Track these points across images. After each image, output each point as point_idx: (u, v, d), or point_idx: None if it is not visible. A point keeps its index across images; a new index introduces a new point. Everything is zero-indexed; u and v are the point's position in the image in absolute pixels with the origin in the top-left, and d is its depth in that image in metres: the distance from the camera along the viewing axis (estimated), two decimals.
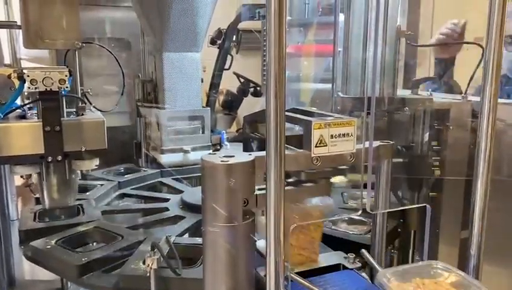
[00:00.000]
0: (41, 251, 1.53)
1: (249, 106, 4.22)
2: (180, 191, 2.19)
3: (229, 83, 4.31)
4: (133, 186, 2.30)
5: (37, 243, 1.57)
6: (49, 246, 1.54)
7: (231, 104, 4.38)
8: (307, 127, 1.12)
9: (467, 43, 1.95)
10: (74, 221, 1.74)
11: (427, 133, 1.76)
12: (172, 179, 2.38)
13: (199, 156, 1.07)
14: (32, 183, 2.48)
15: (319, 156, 1.12)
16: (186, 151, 2.23)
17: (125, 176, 2.39)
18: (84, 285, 1.44)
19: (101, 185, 2.21)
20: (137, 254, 1.47)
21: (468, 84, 1.80)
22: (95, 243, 1.64)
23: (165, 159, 2.24)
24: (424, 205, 1.05)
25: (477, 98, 1.32)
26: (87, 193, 2.09)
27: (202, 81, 2.46)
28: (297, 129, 1.22)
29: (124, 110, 2.81)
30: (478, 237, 1.17)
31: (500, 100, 1.12)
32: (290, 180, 1.21)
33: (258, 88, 4.04)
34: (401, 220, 1.79)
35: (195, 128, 2.29)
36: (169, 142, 2.22)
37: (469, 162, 1.68)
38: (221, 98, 4.42)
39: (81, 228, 1.67)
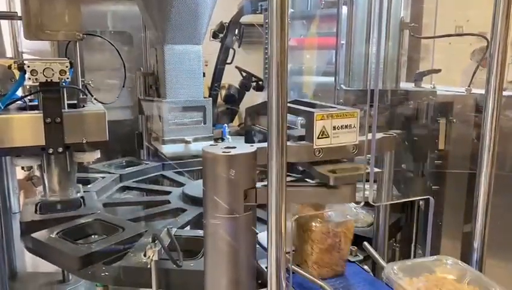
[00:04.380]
0: (42, 243, 1.53)
1: (251, 100, 4.20)
2: (182, 184, 2.19)
3: (231, 77, 4.29)
4: (135, 179, 2.30)
5: (38, 234, 1.56)
6: (50, 238, 1.53)
7: (233, 99, 4.37)
8: (309, 119, 1.11)
9: (472, 35, 1.93)
10: (75, 213, 1.74)
11: (430, 126, 1.75)
12: (174, 172, 2.38)
13: (200, 147, 1.07)
14: (35, 176, 2.49)
15: (321, 148, 1.11)
16: (187, 142, 2.21)
17: (127, 169, 2.39)
18: (85, 277, 1.44)
19: (103, 177, 2.20)
20: (138, 246, 1.47)
21: (472, 76, 1.79)
22: (95, 235, 1.64)
23: (167, 149, 2.23)
24: (427, 197, 1.04)
25: (482, 91, 1.31)
26: (89, 186, 2.08)
27: (204, 75, 2.45)
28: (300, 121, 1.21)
29: (126, 104, 2.81)
30: (481, 230, 1.16)
31: (504, 93, 1.11)
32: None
33: (260, 82, 4.02)
34: (404, 213, 1.78)
35: (197, 119, 2.28)
36: (171, 133, 2.20)
37: (472, 155, 1.67)
38: (223, 92, 4.41)
39: (82, 220, 1.67)
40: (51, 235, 1.55)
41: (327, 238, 1.16)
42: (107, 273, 1.39)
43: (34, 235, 1.56)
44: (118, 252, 1.45)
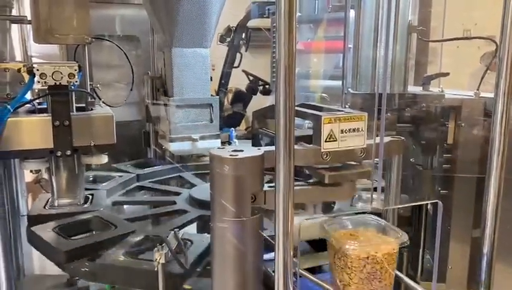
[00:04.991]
0: (37, 236, 1.57)
1: (258, 104, 4.20)
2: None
3: (238, 81, 4.30)
4: (152, 180, 2.33)
5: (36, 228, 1.60)
6: (46, 232, 1.57)
7: (240, 103, 4.37)
8: (317, 122, 1.11)
9: (481, 38, 1.92)
10: (78, 209, 1.77)
11: (438, 130, 1.74)
12: (193, 174, 2.40)
13: (207, 145, 1.08)
14: (43, 179, 2.50)
15: (328, 151, 1.11)
16: (194, 140, 2.21)
17: (145, 169, 2.43)
18: (68, 271, 1.47)
19: (120, 176, 2.25)
20: (123, 244, 1.50)
21: (481, 80, 1.78)
22: (94, 232, 1.66)
23: (173, 147, 2.23)
24: (435, 201, 1.03)
25: (491, 95, 1.30)
26: (104, 184, 2.13)
27: (211, 79, 2.45)
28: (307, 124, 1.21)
29: (134, 118, 2.84)
30: (491, 235, 1.15)
31: None
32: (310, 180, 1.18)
33: (267, 86, 4.03)
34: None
35: (204, 117, 2.28)
36: (178, 131, 2.21)
37: (481, 159, 1.66)
38: (230, 96, 4.42)
39: (82, 217, 1.70)
40: (48, 229, 1.58)
41: (366, 265, 1.05)
42: (86, 269, 1.40)
43: (33, 228, 1.60)
44: (103, 249, 1.46)
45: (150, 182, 2.32)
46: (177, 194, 2.10)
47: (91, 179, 2.29)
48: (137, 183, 2.29)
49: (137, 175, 2.33)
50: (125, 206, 2.15)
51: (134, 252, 1.50)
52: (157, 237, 1.55)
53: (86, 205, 1.81)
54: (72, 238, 1.55)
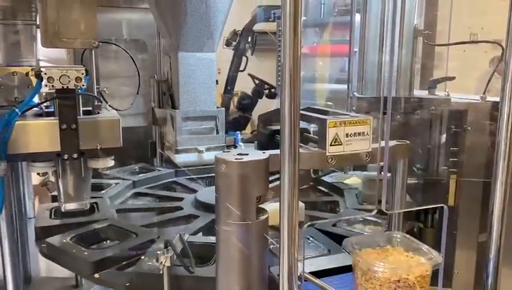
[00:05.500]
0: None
1: (264, 107, 4.22)
2: (194, 191, 2.20)
3: (244, 85, 4.32)
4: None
5: (53, 239, 1.59)
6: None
7: (246, 106, 4.39)
8: (322, 126, 1.11)
9: (487, 42, 1.92)
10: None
11: (444, 134, 1.74)
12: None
13: (213, 156, 1.08)
14: (50, 182, 2.51)
15: (334, 155, 1.11)
16: (200, 152, 2.23)
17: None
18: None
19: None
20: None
21: (487, 84, 1.77)
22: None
23: (180, 159, 2.25)
24: (441, 205, 1.03)
25: (497, 98, 1.30)
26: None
27: (217, 83, 2.47)
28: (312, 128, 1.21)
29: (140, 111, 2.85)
30: (497, 240, 1.15)
31: None
32: None
33: (273, 90, 4.04)
34: (418, 221, 1.76)
35: (210, 128, 2.30)
36: (184, 142, 2.23)
37: (487, 163, 1.65)
38: (236, 99, 4.43)
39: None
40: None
41: (396, 288, 0.98)
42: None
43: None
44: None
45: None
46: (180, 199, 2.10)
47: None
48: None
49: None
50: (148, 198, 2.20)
51: (88, 239, 1.61)
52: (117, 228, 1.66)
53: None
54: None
